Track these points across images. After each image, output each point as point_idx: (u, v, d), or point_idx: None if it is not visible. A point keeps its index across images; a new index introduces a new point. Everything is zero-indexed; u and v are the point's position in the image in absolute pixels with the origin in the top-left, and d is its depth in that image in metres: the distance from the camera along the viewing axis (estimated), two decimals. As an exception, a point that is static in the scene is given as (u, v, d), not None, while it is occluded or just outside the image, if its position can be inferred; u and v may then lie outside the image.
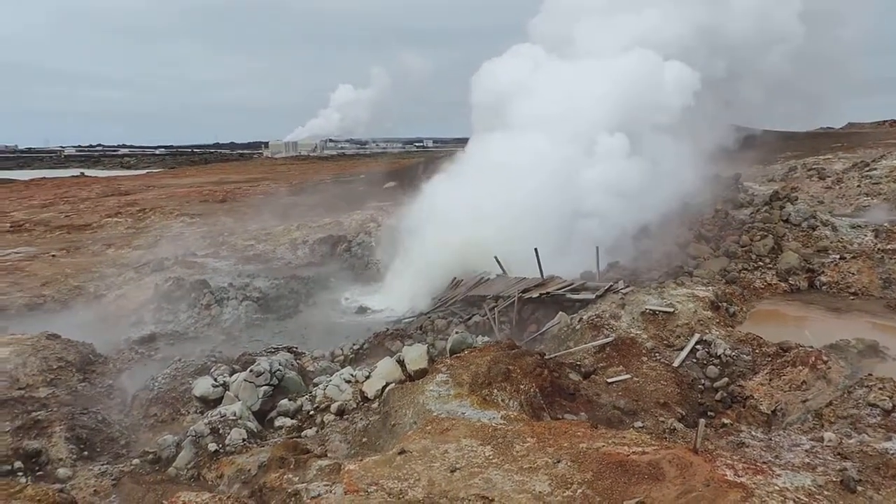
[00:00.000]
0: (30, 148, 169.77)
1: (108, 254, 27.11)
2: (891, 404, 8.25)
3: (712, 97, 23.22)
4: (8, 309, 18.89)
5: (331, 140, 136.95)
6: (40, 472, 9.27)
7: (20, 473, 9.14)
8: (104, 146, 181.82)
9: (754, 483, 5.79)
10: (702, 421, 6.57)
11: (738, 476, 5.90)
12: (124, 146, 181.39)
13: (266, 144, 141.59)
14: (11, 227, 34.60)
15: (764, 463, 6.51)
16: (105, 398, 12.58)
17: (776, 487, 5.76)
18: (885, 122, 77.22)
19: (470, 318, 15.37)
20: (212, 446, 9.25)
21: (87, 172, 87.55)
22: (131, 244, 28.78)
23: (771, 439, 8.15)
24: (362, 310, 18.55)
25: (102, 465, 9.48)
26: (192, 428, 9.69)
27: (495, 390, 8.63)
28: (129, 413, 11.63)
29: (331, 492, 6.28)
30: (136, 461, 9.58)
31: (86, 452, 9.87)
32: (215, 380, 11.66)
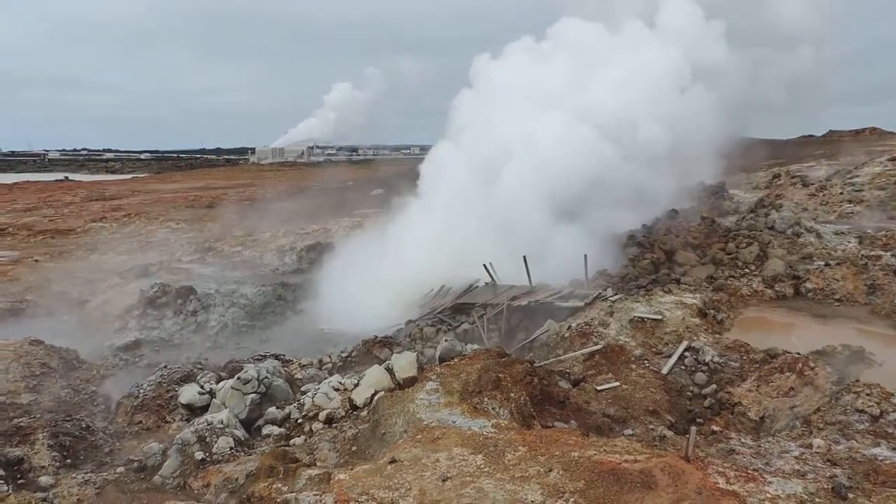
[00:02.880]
0: (13, 151, 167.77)
1: (92, 259, 26.77)
2: (878, 410, 8.32)
3: (696, 106, 23.41)
4: (-10, 314, 18.60)
5: (318, 146, 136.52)
6: (22, 480, 9.09)
7: (1, 481, 8.95)
8: (89, 150, 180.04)
9: (746, 491, 5.80)
10: (693, 428, 6.57)
11: (730, 484, 5.91)
12: (109, 150, 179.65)
13: (252, 150, 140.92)
14: (-7, 231, 34.12)
15: (755, 470, 6.53)
16: (89, 405, 12.42)
17: (768, 495, 5.77)
18: (864, 129, 78.17)
19: (459, 326, 15.34)
20: (198, 455, 9.14)
21: (72, 176, 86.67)
22: (116, 249, 28.46)
23: (760, 446, 8.19)
24: (350, 317, 18.41)
25: (86, 473, 9.32)
26: (178, 436, 9.57)
27: (485, 398, 8.59)
28: (113, 420, 11.48)
29: (321, 501, 6.20)
30: (120, 469, 9.45)
31: (69, 460, 9.71)
32: (202, 387, 11.53)
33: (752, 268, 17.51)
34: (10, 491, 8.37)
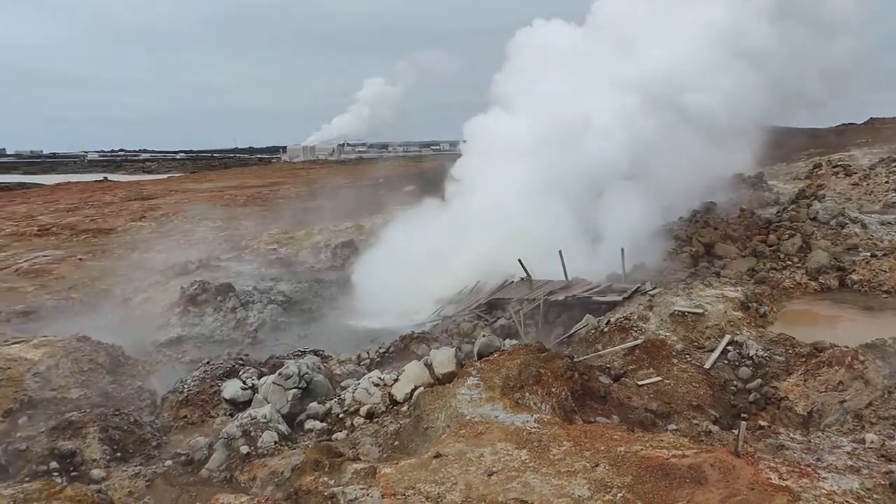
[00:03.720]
0: (54, 153, 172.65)
1: (133, 257, 27.39)
2: (934, 406, 8.07)
3: (733, 95, 22.91)
4: (38, 311, 19.18)
5: (348, 144, 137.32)
6: (75, 473, 9.35)
7: (56, 474, 9.23)
8: (126, 151, 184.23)
9: (800, 486, 5.68)
10: (742, 423, 6.47)
11: (783, 479, 5.79)
12: (145, 151, 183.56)
13: (284, 149, 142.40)
14: (39, 230, 35.11)
15: (807, 465, 6.39)
16: (136, 400, 12.71)
17: (823, 491, 5.64)
18: (906, 116, 75.64)
19: (495, 322, 15.30)
20: (244, 449, 9.28)
21: (110, 177, 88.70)
22: (155, 248, 29.06)
23: (811, 441, 8.02)
24: (386, 313, 18.51)
25: (136, 466, 9.55)
26: (223, 430, 9.74)
27: (527, 394, 8.57)
28: (159, 415, 11.73)
29: (368, 495, 6.26)
30: (168, 463, 9.64)
31: (119, 454, 9.94)
32: (244, 382, 11.72)
33: (795, 260, 17.14)
34: (65, 483, 8.60)
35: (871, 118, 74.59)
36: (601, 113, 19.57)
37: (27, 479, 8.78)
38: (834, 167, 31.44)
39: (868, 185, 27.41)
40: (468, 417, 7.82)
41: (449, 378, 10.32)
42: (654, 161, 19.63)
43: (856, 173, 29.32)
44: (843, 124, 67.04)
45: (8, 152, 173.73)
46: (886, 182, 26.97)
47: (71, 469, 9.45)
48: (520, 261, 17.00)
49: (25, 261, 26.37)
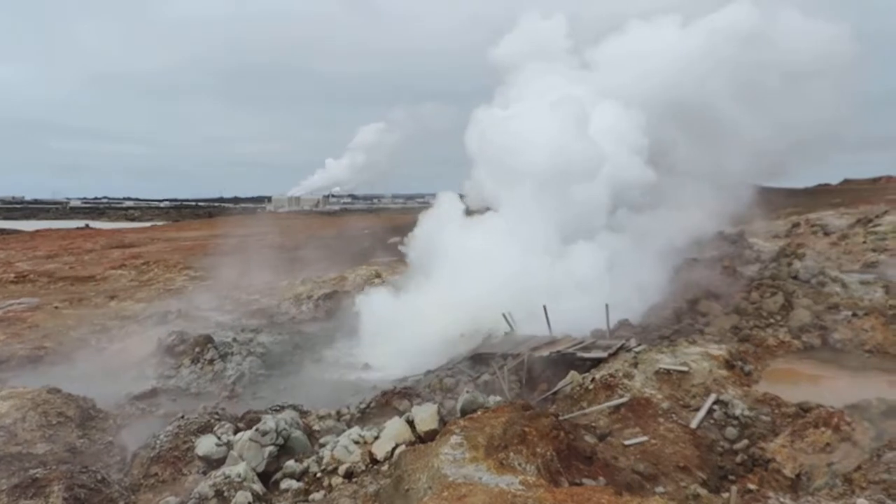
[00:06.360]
0: (36, 199, 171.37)
1: (111, 306, 26.89)
2: (923, 470, 7.95)
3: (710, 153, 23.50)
4: (9, 361, 18.60)
5: (332, 195, 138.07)
6: (35, 536, 8.88)
7: (15, 537, 8.76)
8: (109, 198, 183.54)
9: (793, 557, 5.49)
10: (733, 489, 6.30)
11: (776, 549, 5.60)
12: (129, 198, 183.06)
13: (269, 199, 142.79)
14: (16, 277, 34.48)
15: (799, 534, 6.20)
16: (105, 455, 12.23)
17: (817, 562, 5.45)
18: (881, 177, 77.81)
19: (479, 377, 15.07)
20: (216, 510, 8.89)
21: (92, 224, 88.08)
22: (134, 297, 28.62)
23: (800, 507, 7.83)
24: (367, 367, 18.23)
25: (101, 528, 9.09)
26: (195, 490, 9.34)
27: (511, 453, 8.33)
28: (129, 472, 11.25)
29: (344, 562, 5.96)
30: (135, 525, 9.20)
31: (84, 514, 9.48)
32: (219, 438, 11.31)
33: (778, 318, 17.22)
34: (24, 546, 8.15)
35: (845, 179, 76.68)
36: (583, 161, 19.82)
37: (-16, 541, 8.31)
38: (812, 226, 32.07)
39: (846, 244, 27.89)
40: (451, 479, 7.56)
41: (431, 436, 10.04)
42: (638, 217, 19.88)
43: (834, 233, 29.87)
44: (819, 185, 68.78)
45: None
46: (864, 242, 27.48)
47: (31, 530, 8.98)
48: (504, 315, 16.92)
49: (-1, 308, 25.78)
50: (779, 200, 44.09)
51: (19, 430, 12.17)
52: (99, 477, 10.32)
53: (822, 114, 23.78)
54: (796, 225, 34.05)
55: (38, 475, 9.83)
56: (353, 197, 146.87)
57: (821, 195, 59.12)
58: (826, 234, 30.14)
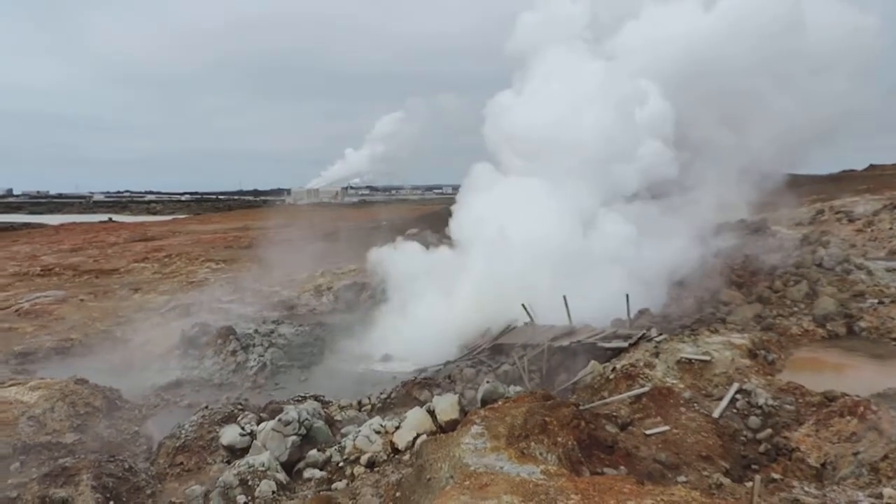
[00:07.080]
0: (60, 193, 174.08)
1: (134, 298, 27.31)
2: (952, 460, 7.83)
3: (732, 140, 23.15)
4: (36, 352, 18.99)
5: (351, 187, 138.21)
6: (66, 523, 9.09)
7: (46, 524, 8.97)
8: (131, 192, 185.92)
9: (819, 546, 5.44)
10: (757, 477, 6.25)
11: (801, 538, 5.56)
12: (150, 192, 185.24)
13: (288, 191, 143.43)
14: (42, 270, 35.11)
15: (825, 524, 6.14)
16: (131, 445, 12.48)
17: (843, 551, 5.40)
18: (907, 162, 75.99)
19: (499, 367, 15.09)
20: (241, 498, 9.04)
21: (115, 218, 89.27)
22: (157, 289, 29.00)
23: (826, 496, 7.75)
24: (388, 358, 18.32)
25: (129, 516, 9.28)
26: (220, 479, 9.50)
27: (532, 443, 8.34)
28: (154, 461, 11.46)
29: (368, 550, 6.02)
30: (162, 513, 9.38)
31: (111, 502, 9.68)
32: (242, 428, 11.47)
33: (802, 306, 16.98)
34: (55, 533, 8.34)
35: (870, 164, 75.06)
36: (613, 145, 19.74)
37: (16, 528, 8.52)
38: (836, 213, 31.52)
39: (872, 231, 27.40)
40: (472, 468, 7.58)
41: (452, 426, 10.09)
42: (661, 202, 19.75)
43: (859, 219, 29.34)
44: (844, 171, 67.46)
45: (15, 192, 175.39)
46: (890, 228, 26.97)
47: (62, 518, 9.18)
48: (524, 305, 16.88)
49: (26, 301, 26.27)
50: (802, 187, 43.40)
51: (48, 420, 12.45)
52: (126, 466, 10.54)
53: (845, 99, 23.35)
54: (820, 212, 33.47)
55: (67, 464, 10.06)
56: (372, 188, 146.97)
57: (845, 181, 57.94)
58: (851, 220, 29.62)
